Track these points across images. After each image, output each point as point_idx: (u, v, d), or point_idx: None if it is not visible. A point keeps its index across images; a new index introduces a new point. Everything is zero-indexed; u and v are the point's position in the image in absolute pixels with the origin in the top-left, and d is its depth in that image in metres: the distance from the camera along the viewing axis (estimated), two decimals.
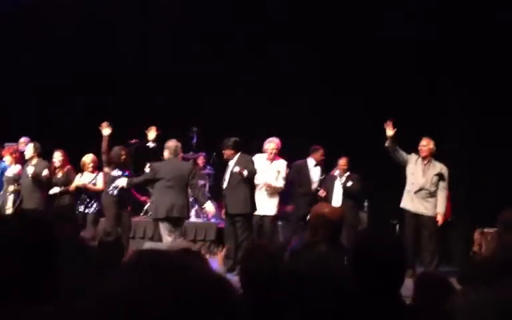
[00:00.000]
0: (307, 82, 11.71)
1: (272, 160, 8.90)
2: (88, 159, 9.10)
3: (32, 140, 9.43)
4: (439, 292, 3.10)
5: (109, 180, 8.55)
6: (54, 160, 9.14)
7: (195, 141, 11.23)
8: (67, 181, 9.17)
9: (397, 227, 9.31)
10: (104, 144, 8.49)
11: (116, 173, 8.52)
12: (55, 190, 8.97)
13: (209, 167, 11.46)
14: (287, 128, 9.81)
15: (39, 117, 11.83)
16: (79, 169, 9.26)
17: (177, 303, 0.77)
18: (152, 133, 8.52)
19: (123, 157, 8.58)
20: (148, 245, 8.30)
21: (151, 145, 8.54)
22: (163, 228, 7.65)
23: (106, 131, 8.45)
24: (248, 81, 11.96)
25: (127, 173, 8.54)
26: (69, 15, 12.21)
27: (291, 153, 9.45)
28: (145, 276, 0.81)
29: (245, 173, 8.30)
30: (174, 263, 0.84)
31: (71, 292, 1.83)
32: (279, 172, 8.97)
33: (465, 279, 3.31)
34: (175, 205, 7.64)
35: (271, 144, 8.96)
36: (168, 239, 7.44)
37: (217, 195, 11.35)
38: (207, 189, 11.31)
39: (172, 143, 7.96)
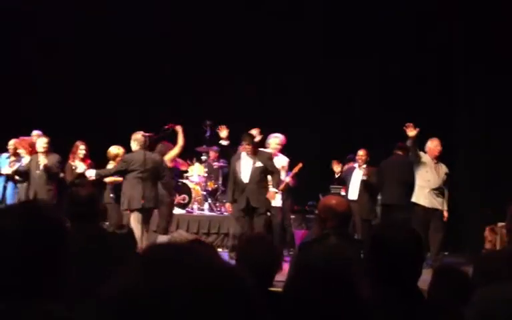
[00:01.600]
0: (324, 74, 11.71)
1: (274, 155, 8.88)
2: (116, 150, 9.17)
3: (44, 133, 9.48)
4: (456, 285, 3.09)
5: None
6: (78, 152, 9.19)
7: (208, 134, 11.26)
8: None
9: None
10: (181, 139, 8.81)
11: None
12: (90, 172, 8.75)
13: (221, 160, 11.50)
14: (300, 121, 9.82)
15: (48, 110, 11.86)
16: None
17: (193, 295, 0.77)
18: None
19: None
20: (161, 238, 8.35)
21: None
22: (135, 218, 7.75)
23: (179, 129, 8.80)
24: (263, 76, 11.98)
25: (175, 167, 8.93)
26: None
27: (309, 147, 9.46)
28: (159, 269, 0.81)
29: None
30: (189, 255, 0.84)
31: (80, 286, 1.82)
32: (283, 167, 9.04)
33: (478, 275, 3.29)
34: (148, 196, 7.78)
35: (276, 139, 8.96)
36: (139, 227, 7.53)
37: None
38: (220, 182, 11.35)
39: (139, 136, 8.08)
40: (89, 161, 9.22)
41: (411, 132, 8.31)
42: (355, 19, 11.65)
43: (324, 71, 11.83)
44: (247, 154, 8.32)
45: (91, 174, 8.30)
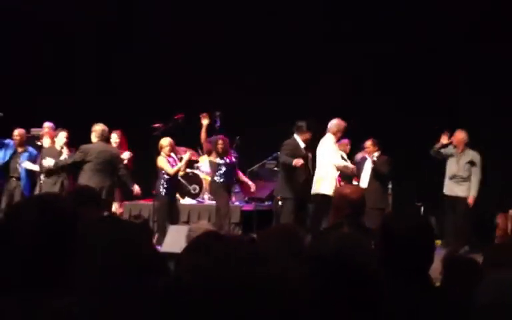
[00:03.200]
0: (335, 65, 11.57)
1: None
2: (166, 141, 9.18)
3: (56, 125, 9.50)
4: (467, 274, 3.11)
5: (214, 167, 9.13)
6: (111, 141, 9.26)
7: (218, 124, 11.20)
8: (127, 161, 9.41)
9: (422, 209, 9.35)
10: (203, 133, 9.02)
11: (219, 160, 9.10)
12: (49, 161, 8.80)
13: (232, 151, 11.45)
14: (310, 111, 9.72)
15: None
16: None
17: (244, 290, 0.81)
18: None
19: (220, 145, 9.05)
20: (172, 228, 8.39)
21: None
22: None
23: (205, 121, 8.93)
24: (272, 66, 11.86)
25: (228, 160, 9.16)
26: None
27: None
28: (209, 260, 0.85)
29: None
30: (235, 247, 0.89)
31: (97, 276, 1.85)
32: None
33: (489, 263, 3.31)
34: (104, 187, 7.82)
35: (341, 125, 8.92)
36: None
37: None
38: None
39: (99, 127, 8.14)
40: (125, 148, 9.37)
41: (444, 140, 8.99)
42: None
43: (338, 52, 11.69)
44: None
45: (50, 163, 8.39)
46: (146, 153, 9.45)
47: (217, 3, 12.33)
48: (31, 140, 9.04)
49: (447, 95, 10.51)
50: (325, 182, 8.42)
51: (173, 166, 9.08)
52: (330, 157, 8.48)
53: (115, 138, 9.31)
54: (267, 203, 10.90)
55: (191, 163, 11.01)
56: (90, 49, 12.79)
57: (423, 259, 2.40)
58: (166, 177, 8.95)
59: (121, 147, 9.40)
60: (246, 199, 11.19)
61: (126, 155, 8.54)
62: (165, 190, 8.97)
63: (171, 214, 8.95)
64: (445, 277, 3.20)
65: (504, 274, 2.92)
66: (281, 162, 8.69)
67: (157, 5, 12.76)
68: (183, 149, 10.90)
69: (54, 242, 1.68)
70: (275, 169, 10.23)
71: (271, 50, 11.97)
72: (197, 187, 10.96)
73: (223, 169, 9.13)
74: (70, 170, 8.45)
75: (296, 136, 8.65)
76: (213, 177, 9.27)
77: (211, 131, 10.49)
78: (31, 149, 9.31)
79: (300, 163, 8.36)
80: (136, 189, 8.53)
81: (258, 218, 9.53)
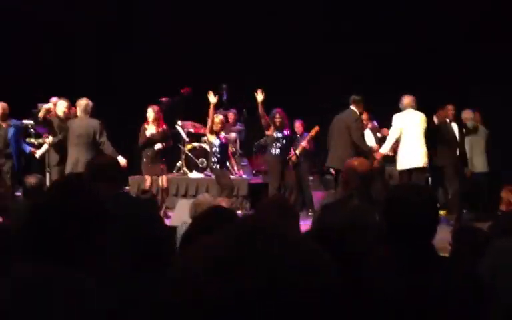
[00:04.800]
0: (335, 34, 11.62)
1: None
2: (217, 119, 9.24)
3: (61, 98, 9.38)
4: (476, 244, 3.11)
5: (272, 141, 9.15)
6: (147, 115, 9.28)
7: (225, 97, 11.26)
8: (165, 136, 9.42)
9: (430, 180, 9.29)
10: (260, 109, 8.98)
11: (277, 134, 9.11)
12: (158, 146, 9.16)
13: (239, 124, 11.51)
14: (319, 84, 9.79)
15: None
16: None
17: (277, 269, 0.78)
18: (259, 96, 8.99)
19: (277, 118, 9.06)
20: (181, 202, 8.41)
21: None
22: None
23: (259, 97, 8.88)
24: (272, 65, 11.91)
25: (285, 133, 9.18)
26: None
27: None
28: (242, 241, 0.82)
29: None
30: (270, 227, 0.85)
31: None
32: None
33: (496, 232, 3.33)
34: (79, 160, 7.76)
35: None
36: None
37: (247, 151, 11.46)
38: (238, 145, 11.39)
39: (83, 101, 8.15)
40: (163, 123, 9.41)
41: None
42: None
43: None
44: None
45: (50, 140, 8.43)
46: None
47: (216, 2, 12.40)
48: (37, 115, 8.76)
49: (448, 95, 10.53)
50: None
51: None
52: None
53: (151, 113, 9.26)
54: None
55: (198, 137, 11.07)
56: (90, 48, 12.83)
57: (426, 230, 2.40)
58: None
59: (159, 122, 9.34)
60: (254, 172, 11.24)
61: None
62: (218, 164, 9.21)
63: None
64: (454, 247, 3.20)
65: (508, 240, 2.93)
66: (360, 142, 8.38)
67: (157, 5, 12.82)
68: (189, 123, 10.94)
69: (78, 221, 1.76)
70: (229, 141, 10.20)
71: (271, 50, 12.05)
72: (204, 161, 11.00)
73: (281, 142, 9.13)
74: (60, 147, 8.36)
75: (353, 108, 8.51)
76: (269, 151, 9.25)
77: (218, 104, 10.55)
78: (14, 121, 9.08)
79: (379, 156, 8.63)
80: (122, 161, 8.38)
81: (266, 191, 9.46)
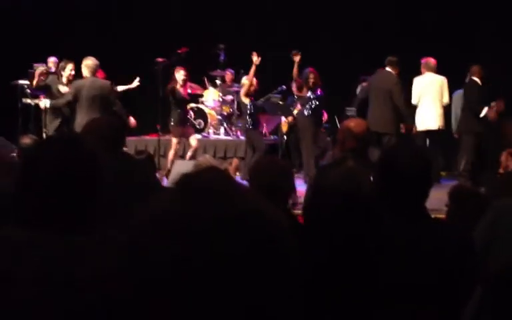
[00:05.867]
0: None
1: None
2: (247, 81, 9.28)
3: (59, 59, 9.26)
4: (472, 206, 3.12)
5: (304, 102, 9.00)
6: (177, 77, 9.23)
7: (222, 58, 11.17)
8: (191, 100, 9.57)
9: (427, 141, 9.30)
10: (295, 70, 8.91)
11: (310, 94, 8.94)
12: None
13: (236, 85, 11.46)
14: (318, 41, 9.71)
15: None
16: None
17: (219, 227, 0.77)
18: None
19: (311, 79, 8.88)
20: (179, 163, 8.41)
21: None
22: None
23: (296, 58, 8.82)
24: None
25: (318, 93, 8.98)
26: None
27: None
28: (188, 199, 0.80)
29: None
30: (219, 186, 0.83)
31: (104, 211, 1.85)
32: None
33: (492, 194, 3.34)
34: None
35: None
36: None
37: None
38: (235, 105, 11.35)
39: (91, 61, 7.78)
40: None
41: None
42: None
43: None
44: None
45: (46, 104, 8.23)
46: (151, 89, 9.38)
47: None
48: (33, 75, 8.62)
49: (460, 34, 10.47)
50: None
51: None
52: None
53: (181, 75, 9.23)
54: (272, 137, 10.95)
55: (195, 98, 10.95)
56: (87, 6, 12.59)
57: (419, 192, 2.38)
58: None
59: (186, 85, 9.38)
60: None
61: (46, 103, 8.15)
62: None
63: None
64: (451, 209, 3.22)
65: (504, 200, 2.95)
66: (401, 106, 8.33)
67: None
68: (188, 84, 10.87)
69: (76, 181, 1.66)
70: (280, 102, 10.12)
71: (268, 9, 11.88)
72: (202, 122, 11.00)
73: (314, 103, 8.95)
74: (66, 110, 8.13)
75: (389, 69, 8.45)
76: (301, 112, 9.12)
77: (215, 64, 10.48)
78: None
79: None
80: (132, 121, 8.31)
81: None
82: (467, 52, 10.20)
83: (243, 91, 9.33)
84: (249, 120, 9.27)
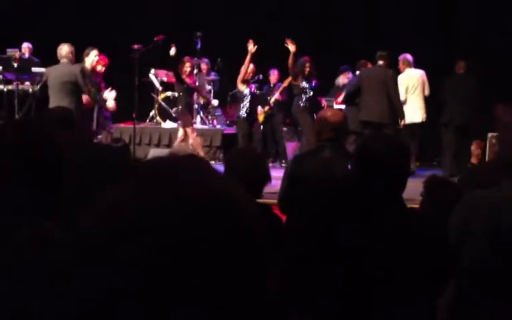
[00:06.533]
0: None
1: None
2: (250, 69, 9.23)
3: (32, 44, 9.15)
4: (446, 196, 3.14)
5: (299, 92, 8.96)
6: (185, 68, 9.24)
7: (199, 46, 11.10)
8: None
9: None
10: (290, 60, 8.79)
11: (304, 84, 8.90)
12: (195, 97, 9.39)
13: (213, 73, 11.39)
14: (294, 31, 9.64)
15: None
16: None
17: (182, 212, 0.74)
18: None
19: (308, 68, 8.87)
20: (153, 151, 8.35)
21: None
22: None
23: (291, 47, 8.70)
24: None
25: (314, 83, 8.96)
26: None
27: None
28: (149, 185, 0.78)
29: None
30: (184, 171, 0.81)
31: (73, 201, 1.80)
32: None
33: (464, 185, 3.36)
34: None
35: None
36: None
37: (222, 101, 11.37)
38: (211, 95, 11.29)
39: (65, 48, 7.76)
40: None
41: None
42: None
43: None
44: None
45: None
46: (126, 76, 9.28)
47: None
48: (6, 61, 8.46)
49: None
50: None
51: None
52: None
53: (189, 66, 9.30)
54: None
55: (171, 86, 10.79)
56: None
57: (397, 181, 2.40)
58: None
59: (191, 75, 9.48)
60: (228, 122, 11.21)
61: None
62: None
63: None
64: (425, 198, 3.24)
65: (478, 191, 2.97)
66: (396, 98, 8.46)
67: None
68: (163, 72, 10.80)
69: (33, 166, 1.61)
70: (257, 92, 10.04)
71: None
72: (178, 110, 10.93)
73: (309, 93, 8.92)
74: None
75: (382, 63, 8.53)
76: (296, 102, 9.05)
77: (192, 52, 10.41)
78: None
79: None
80: (109, 104, 8.18)
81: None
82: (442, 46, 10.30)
83: (239, 78, 9.26)
84: (244, 108, 9.22)
